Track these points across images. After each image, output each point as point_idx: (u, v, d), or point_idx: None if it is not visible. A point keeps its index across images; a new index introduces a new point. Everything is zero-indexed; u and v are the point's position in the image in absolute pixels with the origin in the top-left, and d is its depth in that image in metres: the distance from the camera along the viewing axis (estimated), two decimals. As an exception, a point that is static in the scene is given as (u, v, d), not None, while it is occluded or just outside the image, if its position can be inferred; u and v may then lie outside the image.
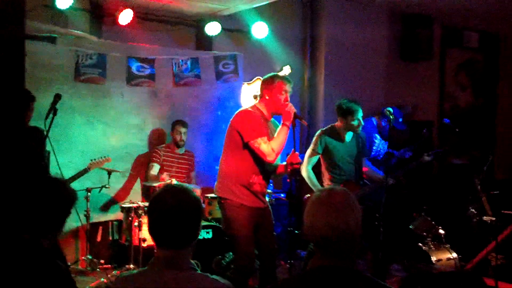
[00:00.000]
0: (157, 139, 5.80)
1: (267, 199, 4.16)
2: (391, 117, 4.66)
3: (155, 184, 5.06)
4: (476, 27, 8.11)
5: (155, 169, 5.49)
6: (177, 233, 2.01)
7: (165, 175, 5.24)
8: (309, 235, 1.95)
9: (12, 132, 2.96)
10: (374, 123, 5.82)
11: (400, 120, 5.94)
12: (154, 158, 5.51)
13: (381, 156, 5.69)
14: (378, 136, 5.72)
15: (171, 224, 2.01)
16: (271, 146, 3.76)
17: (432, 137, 7.42)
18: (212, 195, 5.39)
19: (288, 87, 3.91)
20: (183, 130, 5.55)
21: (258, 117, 3.89)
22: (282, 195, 5.95)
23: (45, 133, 4.04)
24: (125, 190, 5.65)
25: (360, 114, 4.60)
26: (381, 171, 5.04)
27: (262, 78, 4.10)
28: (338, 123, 4.69)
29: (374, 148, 5.69)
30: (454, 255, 4.87)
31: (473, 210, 5.15)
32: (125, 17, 5.45)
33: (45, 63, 5.18)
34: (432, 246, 4.95)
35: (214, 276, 2.03)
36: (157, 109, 5.81)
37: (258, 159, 3.82)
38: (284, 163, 3.96)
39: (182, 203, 2.03)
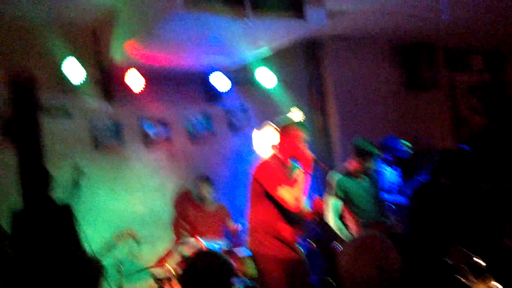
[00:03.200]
0: (183, 199, 5.77)
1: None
2: (408, 150, 4.66)
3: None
4: (480, 49, 8.15)
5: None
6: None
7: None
8: (354, 285, 1.92)
9: (44, 213, 2.99)
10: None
11: (399, 147, 5.83)
12: (188, 209, 5.46)
13: (396, 188, 5.61)
14: (387, 168, 5.63)
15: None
16: (293, 196, 3.78)
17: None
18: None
19: (304, 134, 3.96)
20: (209, 189, 5.53)
21: (278, 166, 3.95)
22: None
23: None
24: (155, 256, 5.60)
25: (377, 158, 4.63)
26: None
27: (279, 124, 4.15)
28: (353, 165, 4.69)
29: (386, 180, 5.61)
30: (497, 284, 4.73)
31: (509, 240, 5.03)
32: (137, 84, 5.52)
33: (63, 138, 5.25)
34: (471, 277, 4.82)
35: None
36: (176, 170, 5.84)
37: (281, 206, 3.84)
38: (310, 210, 3.98)
39: (212, 269, 2.11)
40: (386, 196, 5.59)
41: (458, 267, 5.00)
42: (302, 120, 6.08)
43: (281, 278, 3.80)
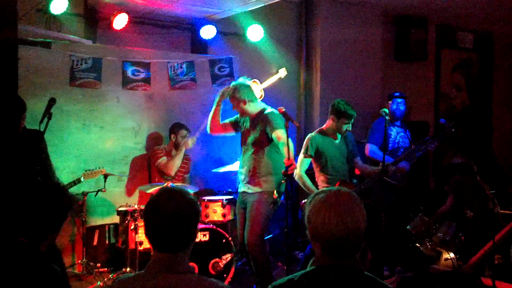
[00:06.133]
0: (154, 142, 5.76)
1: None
2: (387, 117, 4.65)
3: (151, 190, 5.01)
4: (470, 28, 8.13)
5: (165, 161, 5.40)
6: (174, 236, 1.99)
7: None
8: (316, 236, 1.93)
9: (7, 138, 2.94)
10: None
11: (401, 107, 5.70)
12: (159, 155, 5.43)
13: (401, 150, 5.48)
14: (393, 129, 5.50)
15: (167, 227, 1.99)
16: None
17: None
18: (209, 197, 5.38)
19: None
20: (186, 133, 5.52)
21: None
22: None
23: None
24: (122, 193, 5.63)
25: (352, 121, 4.60)
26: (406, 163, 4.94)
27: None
28: (328, 124, 4.69)
29: (391, 139, 5.48)
30: (452, 255, 4.87)
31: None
32: (120, 21, 5.44)
33: (39, 68, 5.16)
34: (429, 246, 4.95)
35: (212, 279, 2.02)
36: (152, 112, 5.80)
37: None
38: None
39: (179, 205, 2.01)
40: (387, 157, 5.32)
41: (418, 235, 5.13)
42: (282, 77, 6.12)
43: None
